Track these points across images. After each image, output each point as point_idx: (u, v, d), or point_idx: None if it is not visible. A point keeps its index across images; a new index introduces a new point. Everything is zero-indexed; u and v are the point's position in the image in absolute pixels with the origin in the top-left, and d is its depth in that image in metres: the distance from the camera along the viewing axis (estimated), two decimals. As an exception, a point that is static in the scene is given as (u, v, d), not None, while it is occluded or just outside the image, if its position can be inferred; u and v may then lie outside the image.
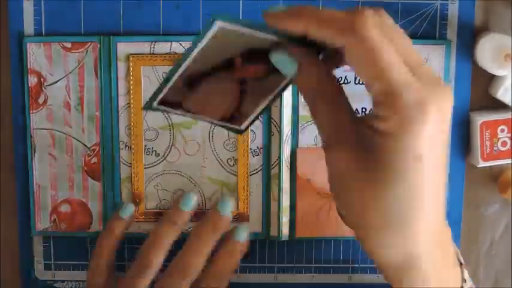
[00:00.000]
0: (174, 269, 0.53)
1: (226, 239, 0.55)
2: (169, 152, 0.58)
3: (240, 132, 0.49)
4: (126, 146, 0.58)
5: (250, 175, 0.59)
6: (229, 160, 0.58)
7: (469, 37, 0.57)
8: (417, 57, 0.39)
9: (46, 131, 0.58)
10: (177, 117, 0.57)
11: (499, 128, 0.57)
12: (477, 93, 0.58)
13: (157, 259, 0.53)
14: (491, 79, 0.58)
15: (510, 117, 0.57)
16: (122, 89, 0.57)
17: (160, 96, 0.45)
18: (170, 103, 0.45)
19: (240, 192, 0.59)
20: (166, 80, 0.43)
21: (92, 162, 0.58)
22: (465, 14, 0.57)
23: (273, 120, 0.58)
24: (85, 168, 0.58)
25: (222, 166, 0.58)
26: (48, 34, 0.57)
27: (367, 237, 0.40)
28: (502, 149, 0.57)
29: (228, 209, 0.55)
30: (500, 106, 0.58)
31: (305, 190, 0.58)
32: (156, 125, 0.58)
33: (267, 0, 0.57)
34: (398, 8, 0.57)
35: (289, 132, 0.58)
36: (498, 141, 0.57)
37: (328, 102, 0.40)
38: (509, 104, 0.57)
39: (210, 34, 0.40)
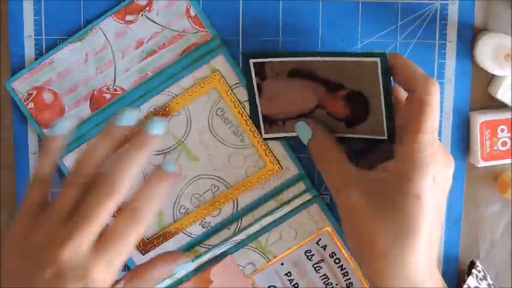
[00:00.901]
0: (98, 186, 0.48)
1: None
2: (158, 154, 0.58)
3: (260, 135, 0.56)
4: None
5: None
6: (182, 208, 0.58)
7: (469, 37, 0.57)
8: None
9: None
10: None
11: (499, 128, 0.57)
12: (477, 93, 0.58)
13: (90, 171, 0.49)
14: (491, 79, 0.58)
15: (510, 117, 0.57)
16: (122, 89, 0.58)
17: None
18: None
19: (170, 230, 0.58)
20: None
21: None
22: (465, 14, 0.57)
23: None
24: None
25: (174, 204, 0.58)
26: (48, 34, 0.57)
27: (371, 266, 0.49)
28: (502, 149, 0.57)
29: (159, 128, 0.50)
30: (500, 106, 0.58)
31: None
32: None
33: (267, 0, 0.57)
34: (398, 8, 0.57)
35: (243, 237, 0.59)
36: (498, 141, 0.57)
37: (334, 158, 0.52)
38: (509, 104, 0.57)
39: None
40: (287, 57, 0.51)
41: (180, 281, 0.59)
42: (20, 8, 0.57)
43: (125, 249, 0.47)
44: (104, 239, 0.47)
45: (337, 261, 0.58)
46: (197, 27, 0.56)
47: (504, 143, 0.57)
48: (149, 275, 0.55)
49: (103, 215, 0.47)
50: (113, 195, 0.47)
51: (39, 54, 0.57)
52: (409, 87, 0.49)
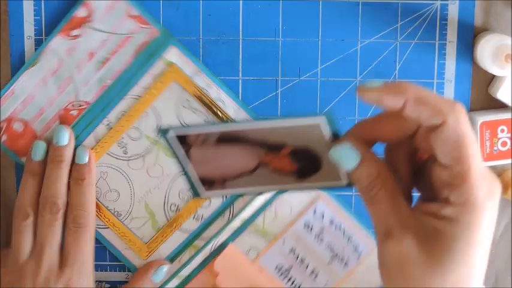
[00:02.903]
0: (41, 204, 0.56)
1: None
2: (137, 158, 0.58)
3: (197, 195, 0.48)
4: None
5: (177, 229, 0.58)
6: (172, 205, 0.58)
7: (469, 37, 0.57)
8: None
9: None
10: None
11: (499, 128, 0.57)
12: (477, 93, 0.58)
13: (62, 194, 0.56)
14: (491, 79, 0.58)
15: (510, 117, 0.57)
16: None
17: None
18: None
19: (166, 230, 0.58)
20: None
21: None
22: (465, 14, 0.57)
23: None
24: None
25: (164, 204, 0.58)
26: (48, 34, 0.57)
27: None
28: (502, 149, 0.57)
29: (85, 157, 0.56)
30: (500, 106, 0.58)
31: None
32: (146, 132, 0.58)
33: (267, 0, 0.57)
34: (398, 8, 0.57)
35: (239, 224, 0.58)
36: (498, 141, 0.57)
37: (389, 192, 0.42)
38: (509, 104, 0.57)
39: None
40: (211, 128, 0.44)
41: (187, 280, 0.58)
42: (20, 8, 0.57)
43: (85, 256, 0.55)
44: (63, 255, 0.55)
45: (338, 226, 0.58)
46: (142, 25, 0.56)
47: (504, 143, 0.57)
48: None
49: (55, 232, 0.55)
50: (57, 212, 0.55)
51: (39, 55, 0.57)
52: (436, 121, 0.40)
